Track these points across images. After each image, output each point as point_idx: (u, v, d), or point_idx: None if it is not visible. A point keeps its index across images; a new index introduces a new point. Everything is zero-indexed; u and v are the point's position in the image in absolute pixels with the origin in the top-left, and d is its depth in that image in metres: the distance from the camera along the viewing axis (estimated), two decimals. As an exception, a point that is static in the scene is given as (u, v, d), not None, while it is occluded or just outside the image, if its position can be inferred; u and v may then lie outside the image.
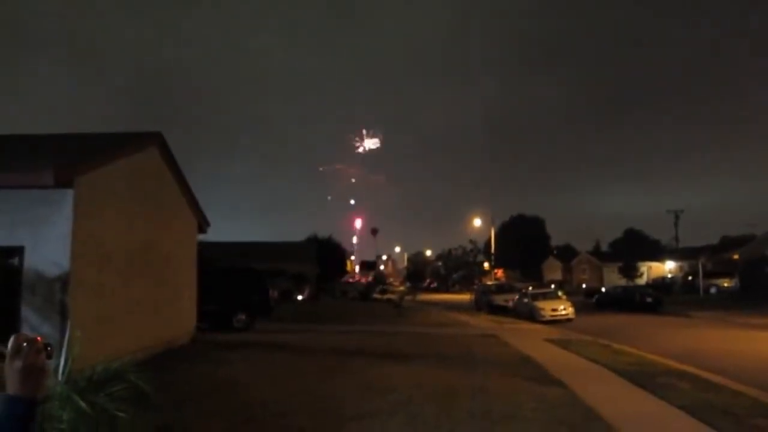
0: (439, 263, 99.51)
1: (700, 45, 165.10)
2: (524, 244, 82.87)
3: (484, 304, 36.80)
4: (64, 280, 9.32)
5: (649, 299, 33.50)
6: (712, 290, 44.56)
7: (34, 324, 9.09)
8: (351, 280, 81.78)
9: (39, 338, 1.61)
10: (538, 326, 24.69)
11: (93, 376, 5.72)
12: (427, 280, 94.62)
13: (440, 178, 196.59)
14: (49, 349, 1.62)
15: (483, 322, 27.34)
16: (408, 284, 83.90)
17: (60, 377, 5.33)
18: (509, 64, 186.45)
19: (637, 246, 67.16)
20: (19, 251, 9.40)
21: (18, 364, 1.54)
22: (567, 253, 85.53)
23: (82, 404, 5.03)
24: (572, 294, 46.03)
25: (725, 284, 45.34)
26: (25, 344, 1.56)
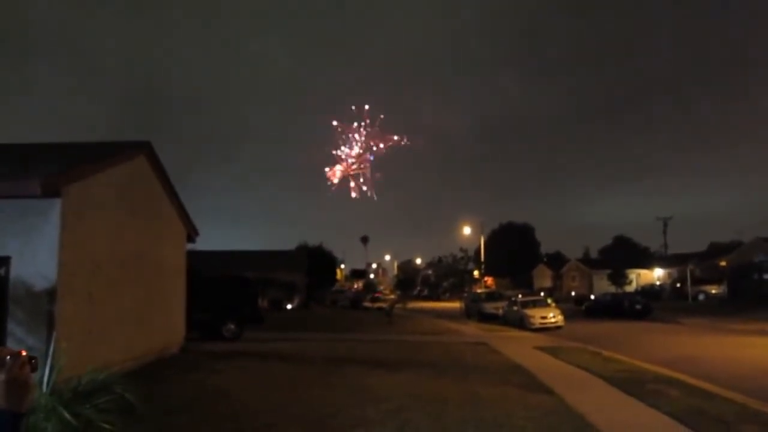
0: (429, 271, 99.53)
1: (689, 53, 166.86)
2: (514, 252, 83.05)
3: (474, 312, 36.84)
4: (51, 291, 9.21)
5: (638, 306, 33.65)
6: (701, 297, 44.86)
7: (19, 336, 8.98)
8: (343, 287, 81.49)
9: (23, 351, 1.60)
10: (527, 334, 24.72)
11: (78, 388, 5.66)
12: (418, 288, 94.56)
13: (430, 186, 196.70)
14: (33, 362, 1.60)
15: (473, 330, 27.36)
16: (398, 292, 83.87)
17: (45, 388, 5.27)
18: (498, 71, 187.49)
19: (626, 253, 67.42)
20: (5, 261, 9.29)
21: (1, 377, 1.53)
22: (557, 261, 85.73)
23: (67, 416, 4.97)
24: (562, 301, 46.18)
25: (713, 291, 45.67)
26: (8, 357, 1.55)
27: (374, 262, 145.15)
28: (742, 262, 47.58)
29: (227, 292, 21.27)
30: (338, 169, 72.65)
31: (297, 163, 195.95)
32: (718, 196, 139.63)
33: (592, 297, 45.22)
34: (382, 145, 71.09)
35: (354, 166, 71.39)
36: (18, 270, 9.25)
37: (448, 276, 75.26)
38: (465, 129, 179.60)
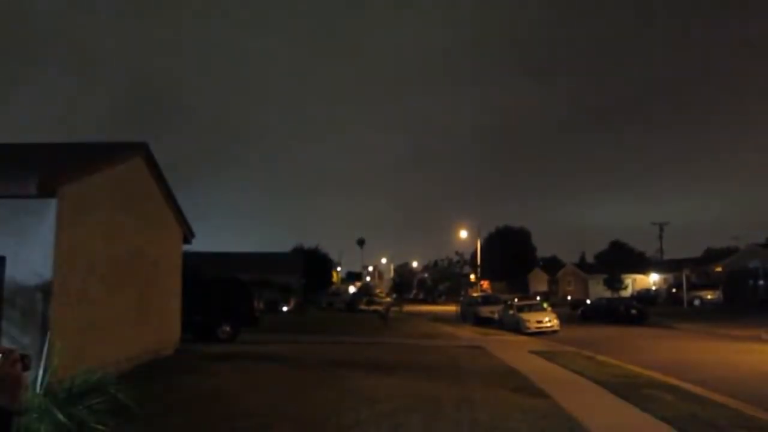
0: (426, 274, 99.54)
1: (687, 58, 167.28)
2: (510, 256, 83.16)
3: (470, 316, 36.84)
4: (45, 291, 9.20)
5: (633, 311, 33.73)
6: (696, 302, 44.87)
7: (13, 336, 8.94)
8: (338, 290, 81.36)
9: (15, 349, 1.60)
10: (523, 338, 24.75)
11: (72, 388, 5.65)
12: (414, 291, 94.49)
13: (427, 189, 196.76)
14: (25, 360, 1.61)
15: (469, 333, 27.36)
16: (394, 295, 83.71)
17: (38, 389, 5.26)
18: (497, 74, 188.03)
19: (622, 258, 67.55)
20: (0, 261, 9.27)
21: None
22: (553, 265, 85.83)
23: (61, 417, 4.96)
24: (558, 306, 46.23)
25: (709, 296, 45.68)
26: (0, 355, 1.56)
27: (370, 264, 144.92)
28: (737, 268, 47.67)
29: (222, 293, 21.20)
30: None
31: (294, 165, 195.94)
32: (714, 202, 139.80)
33: (588, 301, 45.26)
34: None
35: None
36: (13, 270, 9.23)
37: (444, 279, 75.29)
38: (464, 134, 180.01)
